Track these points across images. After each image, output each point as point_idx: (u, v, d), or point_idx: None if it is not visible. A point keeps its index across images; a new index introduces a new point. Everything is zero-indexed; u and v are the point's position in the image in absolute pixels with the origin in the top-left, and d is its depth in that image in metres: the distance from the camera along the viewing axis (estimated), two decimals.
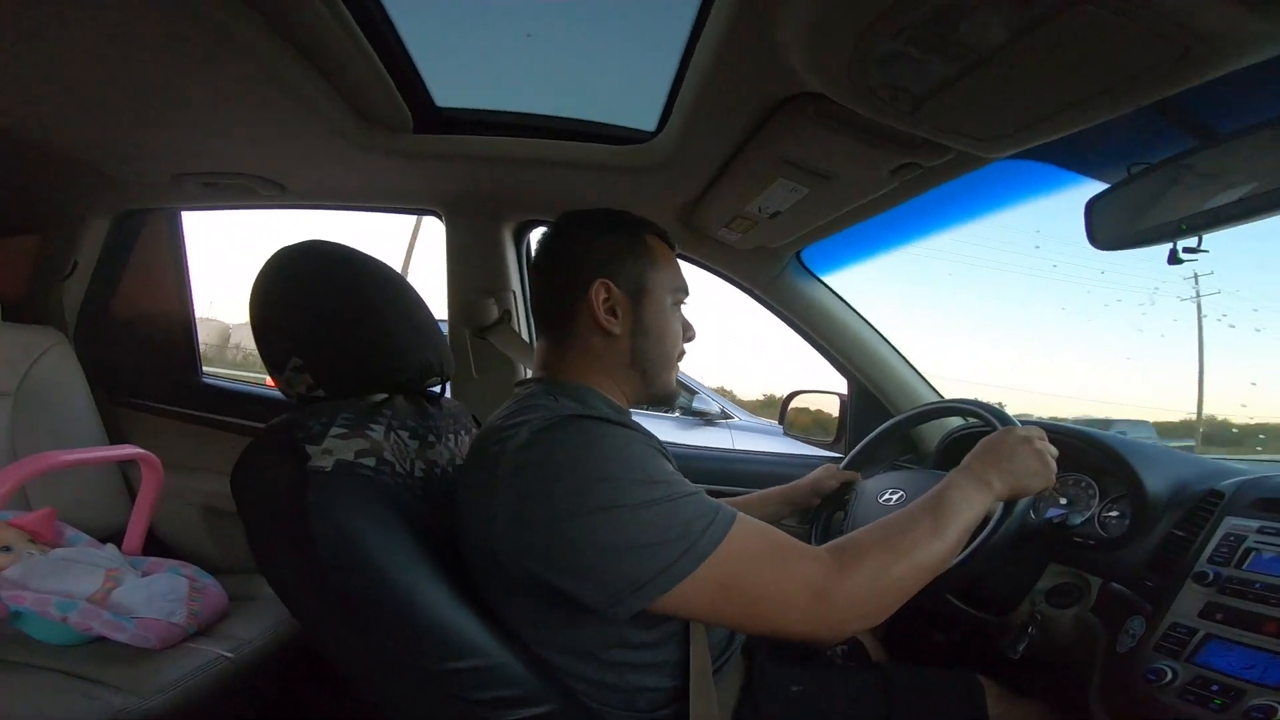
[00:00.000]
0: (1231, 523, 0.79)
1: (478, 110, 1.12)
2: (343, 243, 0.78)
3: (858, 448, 1.20)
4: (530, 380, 0.78)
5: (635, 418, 0.73)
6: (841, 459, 1.22)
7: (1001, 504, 0.81)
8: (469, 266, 1.44)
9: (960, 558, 0.80)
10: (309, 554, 0.59)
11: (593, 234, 0.76)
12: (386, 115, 1.05)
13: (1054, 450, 0.79)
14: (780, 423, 1.63)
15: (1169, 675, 0.65)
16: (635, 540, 0.58)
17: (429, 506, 0.72)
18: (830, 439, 1.52)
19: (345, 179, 1.34)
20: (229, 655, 1.07)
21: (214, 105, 1.04)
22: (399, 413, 0.76)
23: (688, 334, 0.83)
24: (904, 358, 1.44)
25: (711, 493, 0.66)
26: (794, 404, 1.63)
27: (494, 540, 0.62)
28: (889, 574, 0.62)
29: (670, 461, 0.67)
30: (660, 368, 0.78)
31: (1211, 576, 0.73)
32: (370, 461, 0.66)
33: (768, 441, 3.88)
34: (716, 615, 0.61)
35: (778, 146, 0.87)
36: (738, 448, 3.07)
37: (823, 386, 1.55)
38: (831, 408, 1.54)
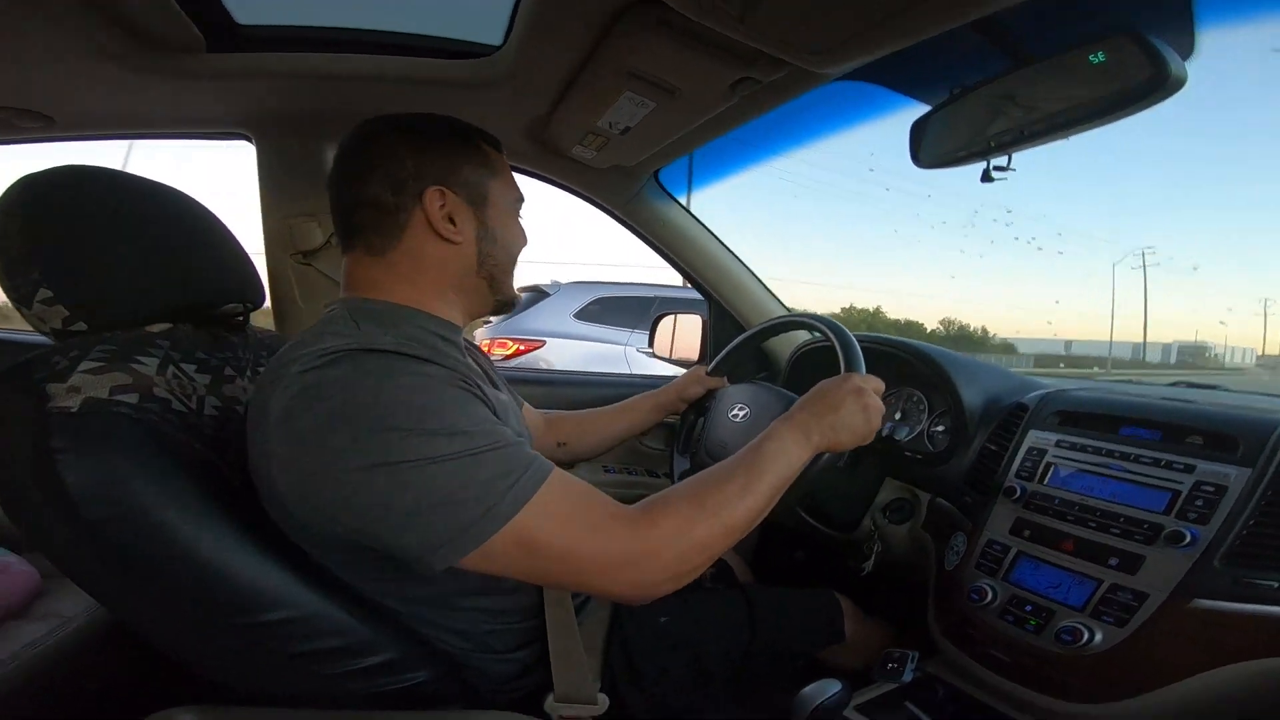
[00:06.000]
0: (1035, 436, 0.80)
1: (290, 27, 0.91)
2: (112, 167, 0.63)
3: (714, 361, 1.15)
4: (336, 302, 0.65)
5: None
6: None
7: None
8: (288, 189, 1.21)
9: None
10: (66, 509, 0.50)
11: (423, 139, 0.65)
12: (170, 36, 0.86)
13: (881, 407, 0.74)
14: (649, 346, 1.55)
15: (989, 595, 0.66)
16: (426, 499, 0.49)
17: (221, 448, 0.62)
18: (694, 360, 1.46)
19: (127, 106, 1.08)
20: (48, 637, 0.91)
21: None
22: (183, 343, 0.64)
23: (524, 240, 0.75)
24: (754, 275, 1.41)
25: None
26: (661, 325, 1.55)
27: (278, 495, 0.53)
28: (693, 535, 0.56)
29: (487, 405, 0.57)
30: (506, 273, 0.71)
31: (1019, 492, 0.74)
32: (131, 398, 0.55)
33: None
34: (527, 575, 0.55)
35: (623, 58, 0.81)
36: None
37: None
38: (697, 328, 1.48)
